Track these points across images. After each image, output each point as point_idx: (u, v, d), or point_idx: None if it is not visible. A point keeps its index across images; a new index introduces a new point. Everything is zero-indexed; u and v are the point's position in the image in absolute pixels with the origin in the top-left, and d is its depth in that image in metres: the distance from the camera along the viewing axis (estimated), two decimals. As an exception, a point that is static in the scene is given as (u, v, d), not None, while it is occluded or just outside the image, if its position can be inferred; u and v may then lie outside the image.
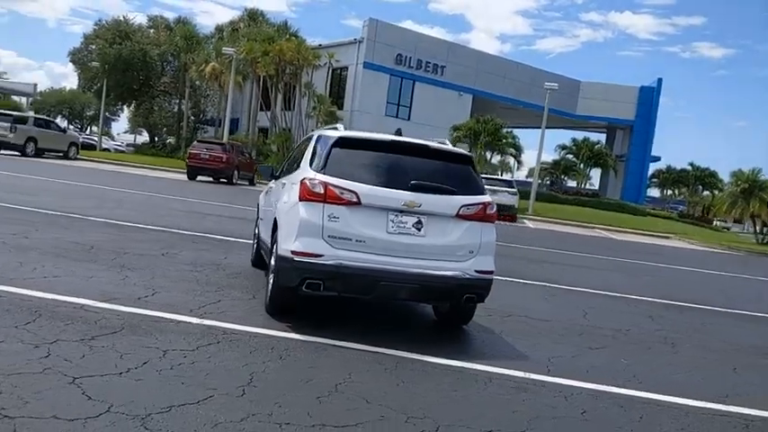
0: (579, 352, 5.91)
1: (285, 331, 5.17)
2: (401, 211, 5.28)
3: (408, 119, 44.00)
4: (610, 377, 5.09)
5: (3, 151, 26.80)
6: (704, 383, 5.40)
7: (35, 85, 58.20)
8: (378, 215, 5.25)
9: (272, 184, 7.85)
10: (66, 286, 5.67)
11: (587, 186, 53.32)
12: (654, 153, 56.33)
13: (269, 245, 6.27)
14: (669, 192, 62.03)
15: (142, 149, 51.16)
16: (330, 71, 43.11)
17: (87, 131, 74.98)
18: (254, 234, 8.45)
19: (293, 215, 5.35)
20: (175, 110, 52.25)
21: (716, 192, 51.32)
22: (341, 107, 42.99)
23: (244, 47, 40.22)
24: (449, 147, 5.94)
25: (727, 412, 4.54)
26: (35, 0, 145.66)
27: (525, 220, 29.68)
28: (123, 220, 10.78)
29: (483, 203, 5.54)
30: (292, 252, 5.18)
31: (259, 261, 7.81)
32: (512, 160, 49.28)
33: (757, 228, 33.83)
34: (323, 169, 5.39)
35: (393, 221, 5.27)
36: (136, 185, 20.36)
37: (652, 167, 58.90)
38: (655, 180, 60.57)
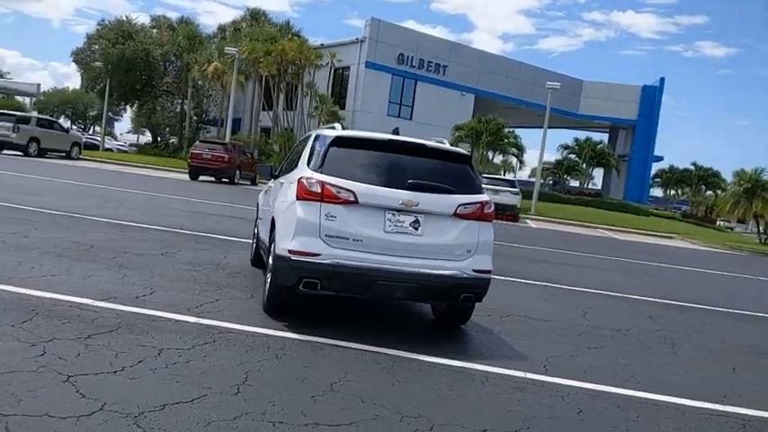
0: (578, 352, 5.89)
1: (282, 330, 5.17)
2: (398, 211, 5.27)
3: (410, 118, 44.04)
4: (608, 377, 5.07)
5: (5, 151, 26.88)
6: (702, 383, 5.38)
7: (38, 85, 58.11)
8: (375, 214, 5.24)
9: (272, 183, 7.85)
10: (64, 285, 5.67)
11: (590, 186, 53.29)
12: (657, 153, 56.27)
13: (267, 244, 6.26)
14: (672, 192, 61.90)
15: (145, 149, 51.29)
16: (332, 71, 43.17)
17: (90, 131, 75.12)
18: (254, 234, 8.45)
19: (290, 214, 5.35)
20: (178, 110, 52.36)
21: (719, 192, 51.18)
22: (343, 107, 43.04)
23: (246, 47, 40.28)
24: (446, 146, 5.93)
25: (724, 412, 4.52)
26: (40, 0, 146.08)
27: (528, 220, 29.64)
28: (124, 220, 10.78)
29: (480, 202, 5.53)
30: (289, 251, 5.17)
31: (258, 260, 7.81)
32: (514, 160, 49.27)
33: (760, 228, 33.73)
34: (320, 168, 5.39)
35: (390, 221, 5.26)
36: (138, 185, 20.38)
37: (655, 167, 58.88)
38: (658, 180, 60.45)
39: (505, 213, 26.97)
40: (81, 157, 31.53)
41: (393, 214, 5.27)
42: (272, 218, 6.08)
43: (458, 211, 5.41)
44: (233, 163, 27.86)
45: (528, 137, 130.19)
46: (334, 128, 6.16)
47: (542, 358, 5.40)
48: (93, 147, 44.45)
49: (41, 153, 28.10)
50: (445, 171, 5.63)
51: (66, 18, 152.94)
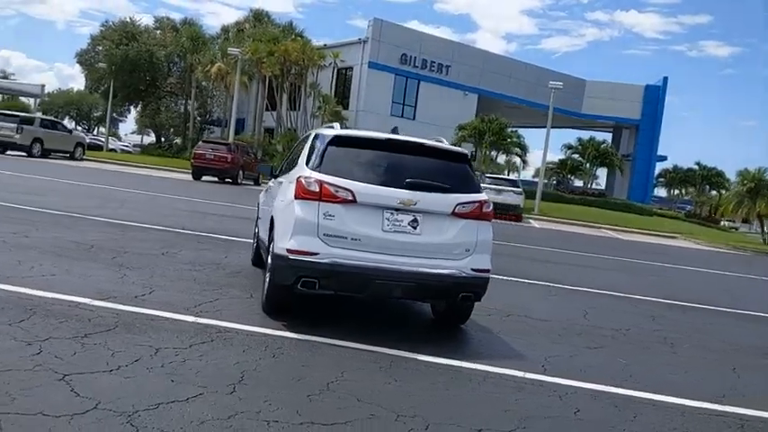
0: (577, 352, 5.87)
1: (280, 330, 5.16)
2: (397, 210, 5.26)
3: (413, 118, 44.02)
4: (606, 377, 5.05)
5: (9, 152, 26.96)
6: (701, 383, 5.36)
7: (43, 86, 58.38)
8: (373, 213, 5.24)
9: (272, 182, 7.86)
10: (63, 284, 5.68)
11: (594, 186, 53.15)
12: (660, 152, 56.15)
13: (267, 243, 6.26)
14: (676, 191, 61.72)
15: (148, 150, 51.31)
16: (335, 71, 43.14)
17: (95, 132, 75.28)
18: (254, 233, 8.45)
19: (289, 213, 5.34)
20: (182, 110, 52.37)
21: (723, 191, 51.03)
22: (346, 107, 43.02)
23: (249, 47, 40.30)
24: (445, 145, 5.92)
25: (723, 412, 4.50)
26: (44, 2, 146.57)
27: (531, 220, 29.60)
28: (125, 220, 10.80)
29: (479, 201, 5.52)
30: (287, 250, 5.17)
31: (259, 260, 7.80)
32: (518, 160, 49.22)
33: (764, 228, 33.60)
34: (318, 167, 5.39)
35: (389, 220, 5.25)
36: (140, 185, 20.42)
37: (659, 167, 58.66)
38: (661, 180, 60.27)
39: (508, 213, 26.96)
40: (84, 157, 31.57)
41: (391, 213, 5.26)
42: (271, 217, 6.08)
43: (456, 210, 5.39)
44: (236, 163, 27.90)
45: (531, 137, 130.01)
46: (333, 127, 6.16)
47: (541, 358, 5.38)
48: (97, 147, 44.56)
49: (45, 154, 28.16)
50: (443, 170, 5.62)
51: (70, 20, 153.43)
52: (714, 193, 56.64)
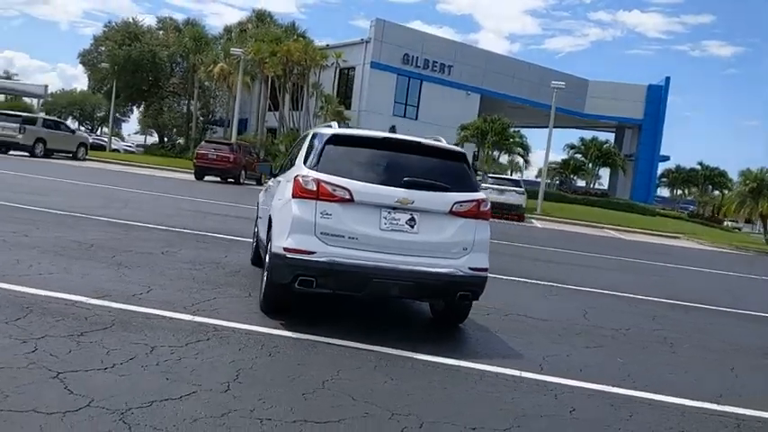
0: (575, 351, 5.86)
1: (277, 329, 5.16)
2: (394, 208, 5.25)
3: (416, 118, 44.03)
4: (604, 376, 5.03)
5: (12, 152, 27.02)
6: (699, 383, 5.34)
7: (46, 86, 58.58)
8: (371, 212, 5.23)
9: (271, 182, 7.86)
10: (61, 283, 5.68)
11: (597, 186, 53.04)
12: (663, 152, 56.05)
13: (265, 242, 6.26)
14: (679, 191, 61.59)
15: (151, 150, 51.43)
16: (337, 71, 43.15)
17: (98, 132, 75.43)
18: (254, 233, 8.46)
19: (286, 212, 5.35)
20: (184, 111, 52.47)
21: (726, 191, 50.88)
22: (348, 107, 43.03)
23: (252, 47, 40.35)
24: (442, 144, 5.91)
25: (720, 412, 4.48)
26: (48, 3, 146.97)
27: (533, 220, 29.57)
28: (126, 220, 10.82)
29: (477, 200, 5.51)
30: (285, 249, 5.17)
31: (258, 259, 7.79)
32: (520, 160, 49.13)
33: (767, 228, 33.48)
34: (316, 166, 5.38)
35: (386, 218, 5.25)
36: (143, 185, 20.44)
37: (661, 167, 58.57)
38: (664, 180, 60.16)
39: (511, 213, 26.95)
40: (87, 157, 31.64)
41: (389, 212, 5.25)
42: (269, 216, 6.09)
43: (454, 209, 5.39)
44: (238, 163, 27.94)
45: (534, 137, 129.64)
46: (330, 126, 6.15)
47: (539, 357, 5.37)
48: (100, 147, 44.63)
49: (48, 154, 28.23)
50: (441, 169, 5.61)
51: (74, 20, 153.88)
52: (717, 193, 56.51)
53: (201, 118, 52.48)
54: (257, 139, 42.27)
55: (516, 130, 43.69)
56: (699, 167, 56.73)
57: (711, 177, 55.84)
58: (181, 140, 52.05)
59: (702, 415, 4.39)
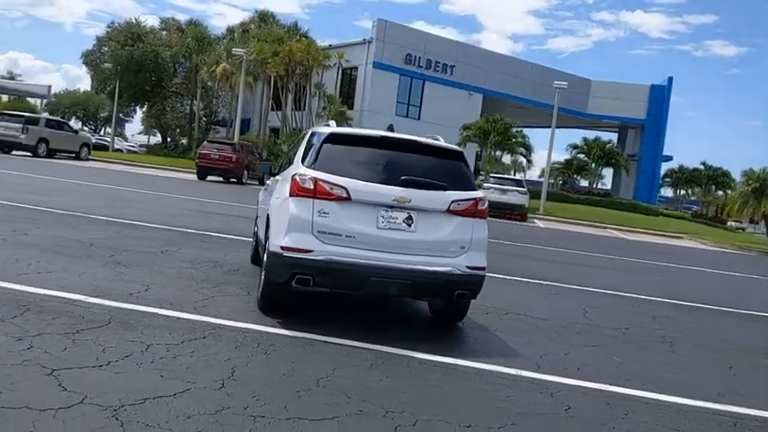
0: (573, 350, 5.84)
1: (275, 327, 5.15)
2: (391, 207, 5.25)
3: (418, 118, 44.04)
4: (601, 375, 5.02)
5: (15, 152, 27.10)
6: (697, 382, 5.33)
7: (49, 86, 58.72)
8: (368, 211, 5.23)
9: (270, 181, 7.87)
10: (59, 282, 5.69)
11: (600, 186, 52.99)
12: (666, 152, 55.91)
13: (264, 241, 6.27)
14: (682, 192, 61.48)
15: (154, 150, 51.52)
16: (340, 71, 43.19)
17: (101, 132, 75.57)
18: (254, 232, 8.46)
19: (283, 211, 5.35)
20: (187, 111, 52.56)
21: (729, 191, 50.81)
22: (351, 107, 43.09)
23: (254, 48, 40.42)
24: (440, 142, 5.90)
25: (717, 410, 4.47)
26: (53, 4, 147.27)
27: (536, 220, 29.51)
28: (127, 219, 10.83)
29: (474, 199, 5.50)
30: (282, 247, 5.17)
31: (257, 258, 7.78)
32: (524, 160, 49.10)
33: (771, 228, 33.45)
34: (314, 165, 5.39)
35: (383, 217, 5.24)
36: (145, 185, 20.47)
37: (664, 167, 58.49)
38: (667, 180, 60.05)
39: (513, 213, 26.92)
40: (90, 157, 31.71)
41: (386, 211, 5.25)
42: (267, 215, 6.09)
43: (451, 208, 5.38)
44: (240, 163, 27.96)
45: (537, 137, 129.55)
46: (329, 125, 6.15)
47: (536, 356, 5.36)
48: (103, 147, 44.70)
49: (50, 154, 28.30)
50: (438, 167, 5.60)
51: (78, 21, 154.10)
52: (720, 193, 56.40)
53: (204, 118, 52.56)
54: (260, 139, 42.36)
55: (519, 129, 43.68)
56: (702, 167, 56.62)
57: (714, 177, 55.73)
58: (184, 140, 52.15)
59: (700, 414, 4.38)
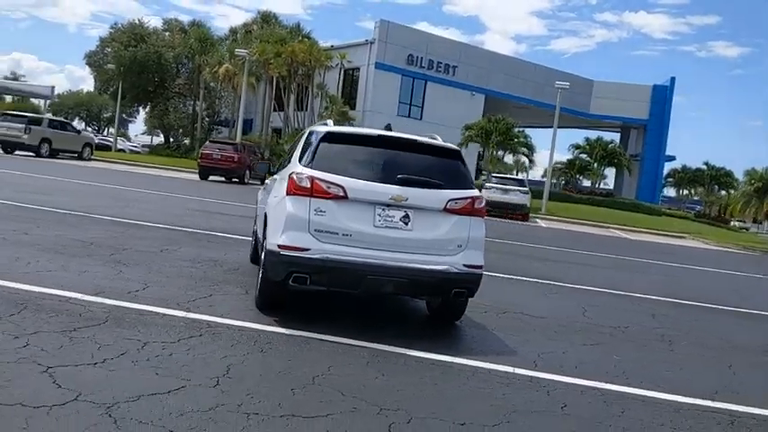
0: (571, 348, 5.83)
1: (271, 325, 5.15)
2: (388, 205, 5.25)
3: (420, 119, 44.06)
4: (598, 373, 5.01)
5: (17, 152, 27.17)
6: (695, 380, 5.31)
7: (52, 87, 58.81)
8: (365, 209, 5.23)
9: (269, 180, 7.88)
10: (58, 280, 5.70)
11: (602, 186, 52.96)
12: (670, 152, 55.89)
13: (262, 240, 6.28)
14: (685, 191, 61.41)
15: (156, 150, 51.60)
16: (342, 72, 43.22)
17: (105, 133, 75.73)
18: (253, 231, 8.47)
19: (280, 209, 5.36)
20: (190, 111, 52.59)
21: (732, 191, 50.72)
22: (353, 107, 43.15)
23: (256, 48, 40.46)
24: (437, 141, 5.91)
25: (714, 408, 4.46)
26: (56, 5, 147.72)
27: (538, 220, 29.49)
28: (128, 219, 10.85)
29: (471, 197, 5.50)
30: (279, 246, 5.17)
31: (257, 257, 7.76)
32: (526, 160, 49.09)
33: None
34: (311, 164, 5.40)
35: (380, 215, 5.24)
36: (147, 185, 20.49)
37: (667, 167, 58.43)
38: (670, 180, 60.00)
39: (515, 213, 26.90)
40: (93, 157, 31.76)
41: (383, 209, 5.25)
42: (265, 213, 6.10)
43: (448, 206, 5.38)
44: (242, 163, 27.99)
45: (539, 137, 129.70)
46: (326, 124, 6.16)
47: (533, 354, 5.35)
48: (106, 148, 44.82)
49: (53, 154, 28.36)
50: (436, 166, 5.61)
51: (81, 22, 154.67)
52: (723, 193, 56.31)
53: (207, 118, 52.60)
54: (262, 140, 42.38)
55: (521, 129, 43.69)
56: (705, 167, 56.59)
57: (717, 177, 55.68)
58: (186, 141, 52.20)
59: (696, 411, 4.37)
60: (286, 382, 3.89)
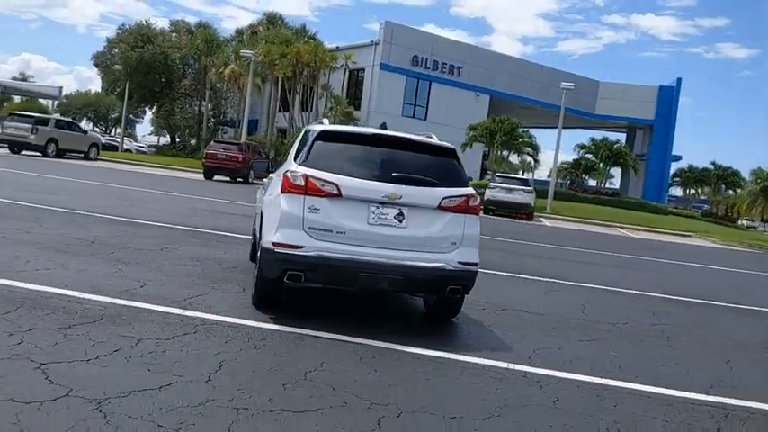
0: (568, 344, 5.83)
1: (267, 322, 5.18)
2: (382, 203, 5.27)
3: (425, 119, 44.04)
4: (594, 368, 5.01)
5: (24, 152, 27.33)
6: (692, 375, 5.30)
7: (60, 88, 59.12)
8: (359, 207, 5.25)
9: (267, 179, 7.91)
10: (56, 278, 5.74)
11: (608, 186, 52.81)
12: (676, 152, 55.66)
13: (259, 238, 6.31)
14: (692, 191, 61.19)
15: (163, 150, 51.83)
16: (347, 73, 43.27)
17: (112, 133, 76.03)
18: (253, 229, 8.50)
19: (275, 207, 5.39)
20: (196, 111, 52.79)
21: (738, 191, 50.50)
22: (358, 108, 43.15)
23: (262, 49, 40.58)
24: (432, 140, 5.92)
25: (708, 402, 4.45)
26: (66, 6, 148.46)
27: (542, 219, 29.43)
28: (129, 217, 10.90)
29: (466, 195, 5.52)
30: (273, 243, 5.20)
31: (256, 255, 7.83)
32: (531, 160, 48.99)
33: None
34: (305, 162, 5.43)
35: (374, 213, 5.26)
36: (153, 185, 20.56)
37: (674, 167, 58.31)
38: (677, 179, 59.80)
39: (519, 212, 26.88)
40: (99, 157, 31.91)
41: (377, 207, 5.27)
42: (261, 211, 6.13)
43: (442, 204, 5.39)
44: (247, 163, 28.05)
45: (545, 137, 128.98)
46: (322, 123, 6.19)
47: (529, 350, 5.36)
48: (113, 148, 45.01)
49: (60, 154, 28.52)
50: (430, 164, 5.63)
51: (91, 23, 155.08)
52: (730, 192, 56.08)
53: (213, 119, 52.79)
54: (267, 140, 42.47)
55: (526, 130, 43.61)
56: (711, 167, 56.39)
57: (724, 177, 55.47)
58: (192, 141, 52.37)
59: (690, 405, 4.37)
60: (278, 378, 3.91)
